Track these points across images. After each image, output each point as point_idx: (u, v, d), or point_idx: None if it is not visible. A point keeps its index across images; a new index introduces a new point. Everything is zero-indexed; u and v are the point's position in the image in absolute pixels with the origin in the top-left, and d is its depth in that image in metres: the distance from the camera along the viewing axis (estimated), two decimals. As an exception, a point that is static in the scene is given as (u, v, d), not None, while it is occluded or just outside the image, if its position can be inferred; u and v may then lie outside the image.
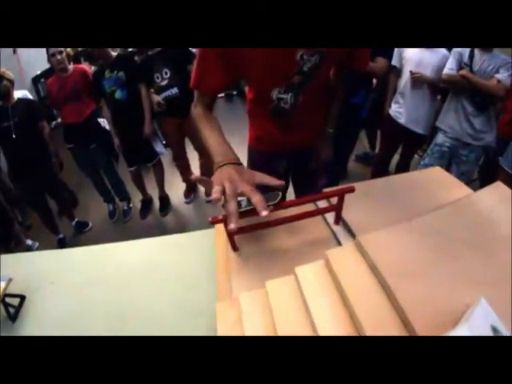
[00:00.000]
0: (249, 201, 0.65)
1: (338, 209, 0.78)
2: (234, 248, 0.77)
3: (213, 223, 0.71)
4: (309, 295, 0.60)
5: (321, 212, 0.80)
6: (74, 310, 0.82)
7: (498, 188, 0.83)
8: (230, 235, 0.73)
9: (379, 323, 0.53)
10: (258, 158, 1.44)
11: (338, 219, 0.80)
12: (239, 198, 0.68)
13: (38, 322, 0.83)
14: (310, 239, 0.81)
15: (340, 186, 0.76)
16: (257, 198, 0.63)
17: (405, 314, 0.52)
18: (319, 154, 1.42)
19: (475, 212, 0.73)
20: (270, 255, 0.77)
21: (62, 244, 3.03)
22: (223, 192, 0.65)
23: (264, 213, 0.60)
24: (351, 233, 0.79)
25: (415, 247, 0.64)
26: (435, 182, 0.98)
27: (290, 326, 0.58)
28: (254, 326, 0.60)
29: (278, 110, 1.15)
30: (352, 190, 0.73)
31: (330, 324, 0.56)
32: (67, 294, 0.87)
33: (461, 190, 0.91)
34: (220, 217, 0.69)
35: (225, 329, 0.62)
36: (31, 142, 2.63)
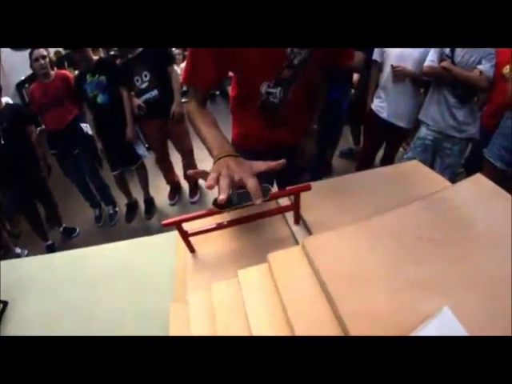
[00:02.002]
0: (239, 197, 0.63)
1: (295, 208, 0.71)
2: (191, 250, 0.74)
3: (164, 226, 0.67)
4: (248, 299, 0.56)
5: (277, 212, 0.74)
6: (51, 312, 0.82)
7: (477, 181, 0.73)
8: (185, 237, 0.70)
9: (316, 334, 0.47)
10: (243, 156, 1.35)
11: (298, 219, 0.74)
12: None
13: (18, 326, 0.81)
14: (270, 239, 0.75)
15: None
16: (252, 184, 0.60)
17: (346, 327, 0.45)
18: (304, 151, 1.38)
19: (448, 208, 0.64)
20: (227, 256, 0.73)
21: (51, 250, 2.94)
22: (217, 180, 0.62)
23: (258, 201, 0.58)
24: (311, 233, 0.72)
25: (370, 250, 0.56)
26: (412, 176, 0.91)
27: (231, 328, 0.55)
28: (199, 327, 0.58)
29: (266, 105, 1.10)
30: (308, 188, 0.67)
31: (266, 331, 0.52)
32: (45, 298, 0.87)
33: (439, 183, 0.83)
34: (171, 220, 0.66)
35: (176, 330, 0.61)
36: (20, 146, 2.58)
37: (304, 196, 0.71)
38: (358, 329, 0.45)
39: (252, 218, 0.72)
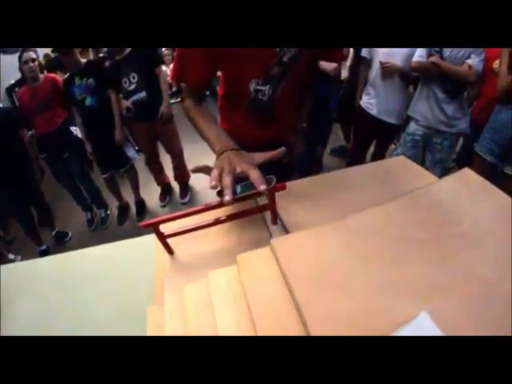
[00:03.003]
0: (243, 188, 0.63)
1: (271, 208, 0.68)
2: (169, 251, 0.71)
3: (143, 228, 0.64)
4: (217, 300, 0.54)
5: (255, 212, 0.70)
6: (40, 316, 0.81)
7: (465, 175, 0.69)
8: (163, 239, 0.68)
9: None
10: None
11: (275, 218, 0.70)
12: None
13: (8, 331, 0.79)
14: (249, 240, 0.71)
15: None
16: (255, 174, 0.60)
17: (310, 333, 0.42)
18: (293, 149, 1.34)
19: (432, 204, 0.59)
20: (206, 257, 0.70)
21: (45, 255, 2.85)
22: (220, 177, 0.62)
23: (262, 187, 0.58)
24: (288, 233, 0.68)
25: (343, 251, 0.52)
26: (398, 172, 0.86)
27: (202, 330, 0.52)
28: (173, 329, 0.56)
29: (255, 103, 1.06)
30: (283, 187, 0.63)
31: (232, 333, 0.49)
32: (34, 302, 0.85)
33: (426, 179, 0.77)
34: (148, 222, 0.64)
35: (153, 331, 0.59)
36: (12, 150, 2.54)
37: (284, 194, 0.69)
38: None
39: (230, 218, 0.69)
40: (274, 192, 0.64)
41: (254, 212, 0.70)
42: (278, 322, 0.46)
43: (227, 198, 0.58)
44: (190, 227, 0.68)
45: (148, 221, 0.63)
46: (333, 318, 0.43)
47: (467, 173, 0.69)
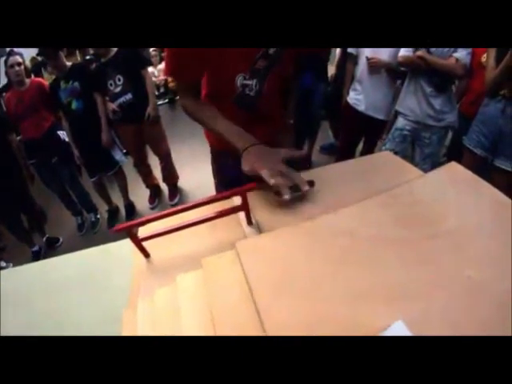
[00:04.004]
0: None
1: (244, 209, 0.64)
2: (145, 254, 0.70)
3: (116, 232, 0.62)
4: (183, 304, 0.52)
5: (228, 213, 0.66)
6: (24, 323, 0.78)
7: (451, 169, 0.63)
8: (137, 242, 0.66)
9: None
10: (224, 161, 1.24)
11: (250, 219, 0.67)
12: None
13: None
14: (224, 242, 0.68)
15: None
16: (298, 178, 0.66)
17: None
18: (283, 147, 1.26)
19: (414, 201, 0.54)
20: (181, 259, 0.67)
21: (37, 257, 2.86)
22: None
23: (306, 188, 0.65)
24: None
25: (311, 254, 0.48)
26: (383, 167, 0.81)
27: (171, 334, 0.50)
28: (143, 333, 0.54)
29: (242, 99, 1.01)
30: (253, 187, 0.60)
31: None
32: (17, 309, 0.82)
33: (411, 174, 0.73)
34: (121, 226, 0.62)
35: (128, 334, 0.57)
36: (1, 155, 2.49)
37: (263, 193, 0.69)
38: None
39: (204, 220, 0.66)
40: (245, 192, 0.60)
41: (228, 213, 0.66)
42: (238, 330, 0.42)
43: (287, 196, 0.63)
44: (164, 230, 0.66)
45: (120, 225, 0.62)
46: (292, 327, 0.39)
47: (454, 167, 0.64)
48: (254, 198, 0.68)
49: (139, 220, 0.62)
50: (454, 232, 0.48)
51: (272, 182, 0.63)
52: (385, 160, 0.84)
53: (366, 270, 0.43)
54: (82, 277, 0.86)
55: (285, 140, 1.29)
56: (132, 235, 0.64)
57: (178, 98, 5.14)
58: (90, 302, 0.79)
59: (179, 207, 0.62)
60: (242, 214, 0.67)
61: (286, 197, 0.63)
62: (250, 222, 0.67)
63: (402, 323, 0.36)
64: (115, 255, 0.90)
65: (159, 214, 0.62)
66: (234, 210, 0.65)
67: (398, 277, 0.42)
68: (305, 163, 2.95)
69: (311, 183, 0.69)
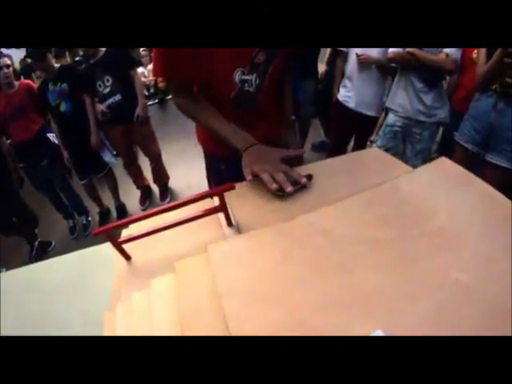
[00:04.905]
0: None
1: (222, 209, 0.62)
2: (126, 257, 0.68)
3: (95, 235, 0.60)
4: (156, 310, 0.50)
5: (207, 214, 0.64)
6: (16, 325, 0.77)
7: (441, 165, 0.60)
8: (117, 245, 0.64)
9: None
10: (218, 166, 1.19)
11: (229, 220, 0.64)
12: None
13: None
14: (206, 243, 0.62)
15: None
16: (295, 173, 0.68)
17: None
18: (287, 144, 1.23)
19: (401, 199, 0.51)
20: (161, 262, 0.65)
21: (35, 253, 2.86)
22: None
23: (304, 180, 0.67)
24: None
25: (287, 258, 0.45)
26: (370, 164, 0.78)
27: None
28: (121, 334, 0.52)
29: (241, 95, 0.96)
30: (232, 187, 0.58)
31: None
32: (10, 312, 0.81)
33: (400, 171, 0.69)
34: (101, 228, 0.60)
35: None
36: None
37: (247, 193, 0.69)
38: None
39: (183, 221, 0.64)
40: (223, 192, 0.58)
41: (206, 214, 0.64)
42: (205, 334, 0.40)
43: (289, 189, 0.64)
44: (141, 232, 0.64)
45: (99, 228, 0.60)
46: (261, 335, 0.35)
47: (444, 162, 0.61)
48: (234, 199, 0.66)
49: (116, 223, 0.61)
50: (442, 231, 0.45)
51: (273, 186, 0.64)
52: (373, 156, 0.81)
53: (343, 274, 0.40)
54: (68, 280, 0.85)
55: (288, 137, 1.24)
56: (111, 238, 0.62)
57: (168, 98, 5.22)
58: (75, 304, 0.77)
59: (155, 209, 0.59)
60: (222, 215, 0.64)
61: (289, 189, 0.64)
62: (230, 223, 0.64)
63: (382, 333, 0.33)
64: (103, 257, 0.86)
65: (136, 216, 0.60)
66: (212, 211, 0.62)
67: (377, 282, 0.39)
68: (297, 161, 2.92)
69: (309, 177, 0.70)
